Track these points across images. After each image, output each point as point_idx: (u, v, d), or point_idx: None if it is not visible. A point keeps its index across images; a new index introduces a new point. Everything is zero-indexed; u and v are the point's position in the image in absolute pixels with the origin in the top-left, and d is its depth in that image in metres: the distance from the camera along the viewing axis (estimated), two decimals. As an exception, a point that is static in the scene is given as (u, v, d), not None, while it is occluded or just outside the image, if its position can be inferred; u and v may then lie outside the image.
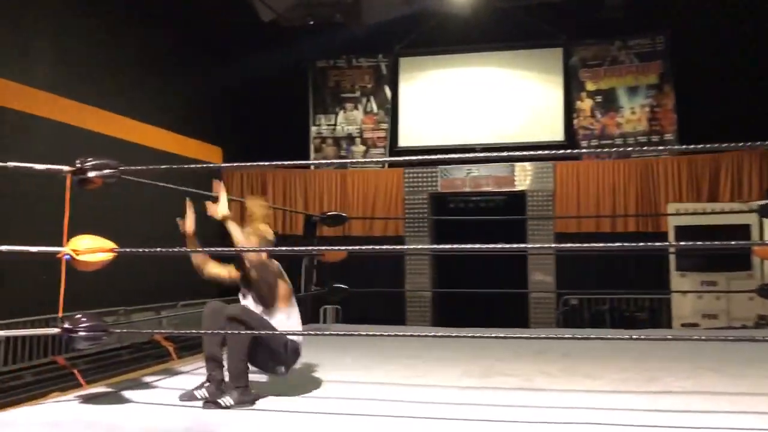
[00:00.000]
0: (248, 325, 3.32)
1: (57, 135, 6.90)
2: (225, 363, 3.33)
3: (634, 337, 2.89)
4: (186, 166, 7.14)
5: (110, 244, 3.05)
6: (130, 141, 8.02)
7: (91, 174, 3.08)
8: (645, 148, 10.05)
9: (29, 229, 5.78)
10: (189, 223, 3.60)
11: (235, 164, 10.16)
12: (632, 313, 9.08)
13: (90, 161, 3.10)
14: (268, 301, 3.50)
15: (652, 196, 9.58)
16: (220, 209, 3.41)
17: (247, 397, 3.20)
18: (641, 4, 9.57)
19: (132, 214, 7.50)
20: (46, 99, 6.93)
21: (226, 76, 10.02)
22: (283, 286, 3.57)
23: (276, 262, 3.66)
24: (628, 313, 9.08)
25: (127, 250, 3.16)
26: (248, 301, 3.59)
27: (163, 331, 6.66)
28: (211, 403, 3.14)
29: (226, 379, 3.31)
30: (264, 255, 3.57)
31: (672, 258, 8.70)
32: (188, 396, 3.29)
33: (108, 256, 3.04)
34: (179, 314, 8.36)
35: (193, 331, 6.72)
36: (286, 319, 3.53)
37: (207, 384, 3.31)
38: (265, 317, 3.46)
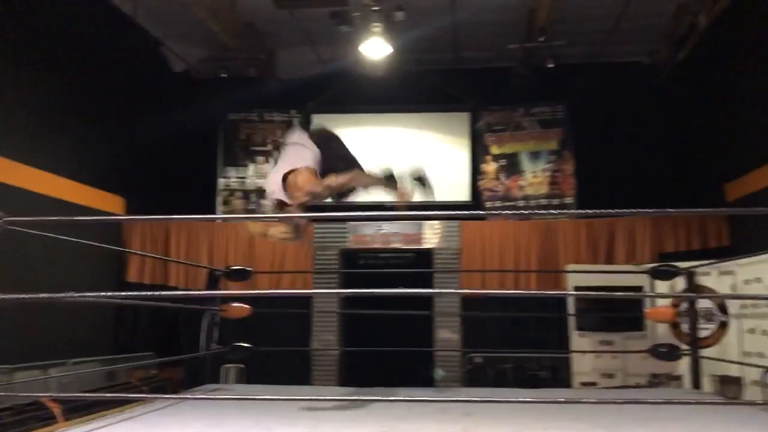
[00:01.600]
0: None
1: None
2: None
3: (528, 400, 2.92)
4: (81, 218, 6.86)
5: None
6: (27, 189, 7.65)
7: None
8: (540, 211, 10.44)
9: None
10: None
11: (137, 217, 9.77)
12: (534, 371, 9.26)
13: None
14: None
15: (553, 256, 9.93)
16: None
17: None
18: (545, 74, 10.11)
19: (23, 265, 7.08)
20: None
21: (132, 125, 9.79)
22: None
23: None
24: (530, 372, 9.25)
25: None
26: None
27: (48, 393, 6.23)
28: None
29: None
30: None
31: (572, 319, 8.99)
32: None
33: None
34: (70, 373, 7.86)
35: (83, 393, 6.33)
36: None
37: None
38: None
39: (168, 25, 9.88)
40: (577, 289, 8.91)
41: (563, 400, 2.91)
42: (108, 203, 9.37)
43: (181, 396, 4.80)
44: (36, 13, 7.97)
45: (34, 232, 4.00)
